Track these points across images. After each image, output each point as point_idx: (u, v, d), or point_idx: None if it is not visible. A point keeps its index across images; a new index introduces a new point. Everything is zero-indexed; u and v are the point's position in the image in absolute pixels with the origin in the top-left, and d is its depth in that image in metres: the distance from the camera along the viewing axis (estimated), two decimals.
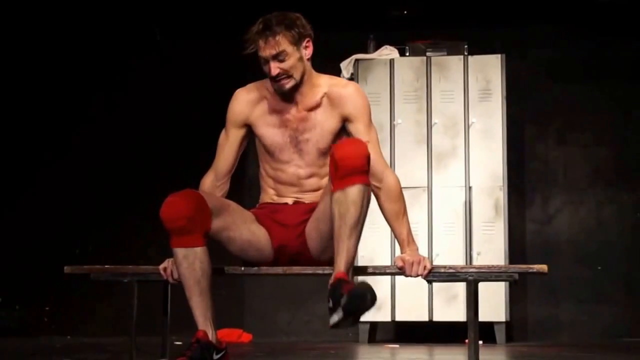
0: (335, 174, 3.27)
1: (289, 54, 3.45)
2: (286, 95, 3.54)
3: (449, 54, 6.56)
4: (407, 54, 6.63)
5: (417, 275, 3.45)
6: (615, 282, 6.85)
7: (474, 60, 6.50)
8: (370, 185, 3.33)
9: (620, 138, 7.00)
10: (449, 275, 3.49)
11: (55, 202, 7.22)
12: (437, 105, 6.50)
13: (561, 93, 7.06)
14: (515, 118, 6.80)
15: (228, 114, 3.64)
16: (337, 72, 6.56)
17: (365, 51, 6.68)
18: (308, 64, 3.54)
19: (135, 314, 3.70)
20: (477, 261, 6.25)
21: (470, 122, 6.46)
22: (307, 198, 3.57)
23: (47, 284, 6.97)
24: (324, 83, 3.57)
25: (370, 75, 6.58)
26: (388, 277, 6.27)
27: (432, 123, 6.50)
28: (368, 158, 3.28)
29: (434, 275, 3.48)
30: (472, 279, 3.46)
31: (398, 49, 6.63)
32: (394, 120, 6.52)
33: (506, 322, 6.31)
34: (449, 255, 6.30)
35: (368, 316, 6.28)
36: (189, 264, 3.37)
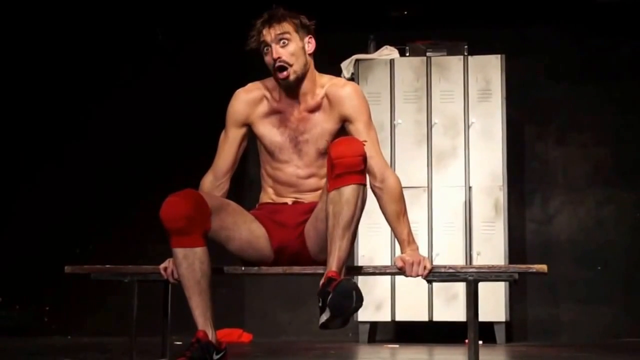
0: (331, 173, 3.28)
1: (291, 38, 3.47)
2: (287, 95, 3.55)
3: (449, 54, 6.56)
4: (407, 54, 6.64)
5: (417, 276, 3.45)
6: (615, 282, 6.85)
7: (473, 60, 6.50)
8: (366, 185, 3.33)
9: (620, 138, 7.00)
10: (449, 275, 3.49)
11: (55, 201, 7.23)
12: (437, 106, 6.50)
13: (561, 93, 7.06)
14: (515, 118, 6.80)
15: (228, 113, 3.64)
16: (338, 72, 6.56)
17: (366, 51, 6.69)
18: (310, 60, 3.55)
19: (135, 313, 3.70)
20: (477, 261, 6.25)
21: (470, 122, 6.46)
22: (307, 198, 3.57)
23: (48, 284, 6.97)
24: (324, 83, 3.58)
25: (370, 76, 6.58)
26: (388, 277, 6.27)
27: (432, 123, 6.50)
28: (364, 157, 3.27)
29: (434, 275, 3.48)
30: (472, 279, 3.46)
31: (398, 49, 6.64)
32: (394, 120, 6.52)
33: (506, 322, 6.32)
34: (448, 255, 6.30)
35: (368, 316, 6.37)
36: (188, 264, 3.37)
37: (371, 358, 5.03)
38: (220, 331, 3.55)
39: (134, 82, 7.29)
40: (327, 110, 3.55)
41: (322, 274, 3.38)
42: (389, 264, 6.25)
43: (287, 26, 3.48)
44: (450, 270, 3.50)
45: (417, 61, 6.57)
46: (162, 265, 3.53)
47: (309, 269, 3.57)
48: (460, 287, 6.19)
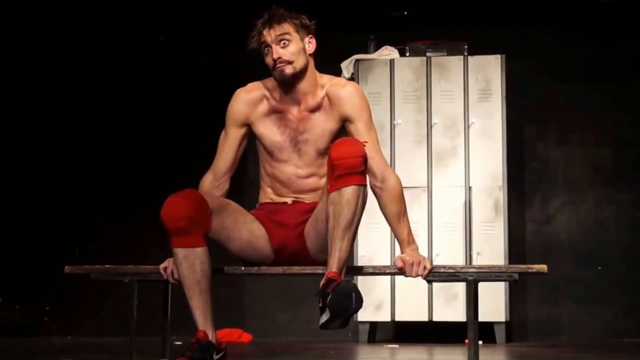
0: (332, 174, 3.28)
1: (292, 39, 3.48)
2: (287, 95, 3.55)
3: (448, 54, 6.56)
4: (407, 54, 6.63)
5: (417, 276, 3.45)
6: (614, 282, 6.85)
7: (473, 60, 6.50)
8: (367, 186, 3.33)
9: (620, 138, 7.00)
10: (449, 275, 3.49)
11: (55, 202, 7.23)
12: (437, 106, 6.50)
13: (561, 93, 7.06)
14: (515, 118, 6.80)
15: (228, 113, 3.65)
16: (338, 72, 6.56)
17: (366, 51, 6.69)
18: (311, 60, 3.56)
19: (135, 314, 3.70)
20: (477, 261, 6.25)
21: (470, 122, 6.46)
22: (307, 198, 3.57)
23: (48, 284, 6.97)
24: (325, 83, 3.59)
25: (370, 76, 6.58)
26: (388, 277, 6.27)
27: (432, 123, 6.50)
28: (365, 158, 3.28)
29: (433, 275, 3.48)
30: (472, 279, 3.47)
31: (398, 49, 6.64)
32: (394, 120, 6.52)
33: (506, 322, 6.31)
34: (448, 255, 6.30)
35: (368, 316, 6.37)
36: (189, 264, 3.37)
37: (371, 358, 5.04)
38: (220, 331, 3.55)
39: (134, 83, 7.29)
40: (327, 110, 3.56)
41: (322, 274, 3.38)
42: (388, 263, 6.25)
43: (287, 27, 3.48)
44: (450, 271, 3.50)
45: (417, 61, 6.57)
46: (162, 265, 3.53)
47: (308, 269, 3.58)
48: (460, 287, 6.19)
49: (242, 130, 3.63)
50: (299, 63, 3.49)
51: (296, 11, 3.55)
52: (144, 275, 3.66)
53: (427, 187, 6.44)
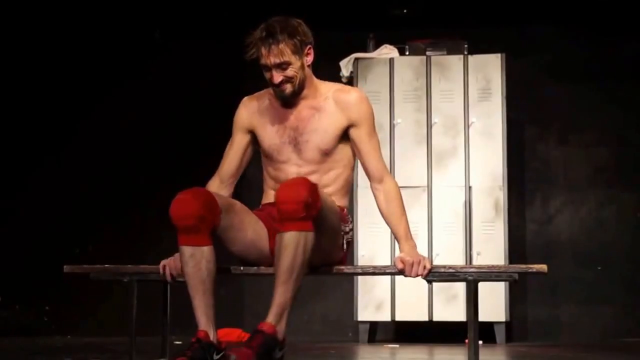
0: (277, 215, 3.28)
1: (290, 62, 3.48)
2: (288, 101, 3.58)
3: (448, 54, 6.55)
4: (407, 53, 6.62)
5: (417, 276, 3.45)
6: (615, 282, 6.84)
7: (474, 59, 6.49)
8: (311, 232, 3.23)
9: (621, 138, 6.99)
10: (449, 275, 3.49)
11: (55, 201, 7.22)
12: (437, 105, 6.50)
13: (562, 93, 7.05)
14: (515, 118, 6.79)
15: (234, 120, 3.70)
16: (337, 71, 6.56)
17: (365, 50, 6.67)
18: (308, 71, 3.59)
19: (135, 313, 3.70)
20: (477, 261, 6.25)
21: (470, 122, 6.45)
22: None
23: (47, 284, 6.97)
24: (327, 89, 3.62)
25: (370, 75, 6.57)
26: (388, 277, 6.27)
27: (432, 123, 6.49)
28: (307, 204, 3.20)
29: (434, 275, 3.48)
30: (472, 279, 3.46)
31: (398, 48, 6.62)
32: (393, 119, 6.51)
33: (506, 322, 6.31)
34: (448, 255, 6.30)
35: (368, 316, 6.37)
36: (195, 262, 3.36)
37: (371, 358, 5.03)
38: (220, 331, 3.54)
39: (131, 82, 7.27)
40: (331, 113, 3.57)
41: (322, 274, 3.41)
42: (388, 263, 6.26)
43: (285, 51, 3.46)
44: (450, 270, 3.50)
45: (417, 60, 6.56)
46: (162, 263, 3.52)
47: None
48: (460, 287, 6.19)
49: (248, 137, 3.67)
50: (299, 80, 3.53)
51: (292, 22, 3.50)
52: (143, 275, 3.66)
53: (427, 187, 6.44)
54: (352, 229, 3.64)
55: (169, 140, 7.19)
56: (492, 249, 6.31)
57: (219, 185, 3.65)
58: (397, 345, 6.12)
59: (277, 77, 3.49)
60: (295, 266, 3.24)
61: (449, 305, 6.31)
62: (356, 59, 6.60)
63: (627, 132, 6.98)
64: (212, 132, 7.29)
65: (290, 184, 3.27)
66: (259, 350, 3.21)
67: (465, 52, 6.53)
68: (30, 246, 7.16)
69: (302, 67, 3.52)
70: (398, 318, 6.39)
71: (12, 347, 5.71)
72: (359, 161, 3.63)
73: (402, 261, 3.45)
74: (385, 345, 6.16)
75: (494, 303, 6.18)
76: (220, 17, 7.06)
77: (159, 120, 7.21)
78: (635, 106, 6.95)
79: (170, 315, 3.80)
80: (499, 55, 6.48)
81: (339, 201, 3.60)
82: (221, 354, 3.38)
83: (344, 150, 3.60)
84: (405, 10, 7.04)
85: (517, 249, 6.73)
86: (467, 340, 3.53)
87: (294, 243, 3.23)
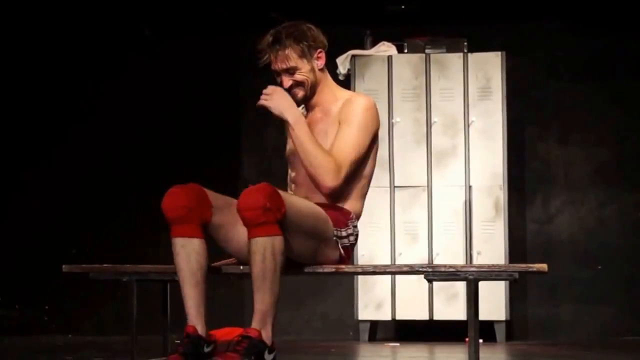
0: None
1: (298, 66, 3.54)
2: (305, 106, 3.65)
3: (448, 51, 6.53)
4: (406, 50, 6.59)
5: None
6: (615, 281, 6.84)
7: (474, 57, 6.48)
8: (278, 235, 3.25)
9: (622, 138, 6.98)
10: (450, 274, 3.49)
11: (53, 201, 7.22)
12: (436, 104, 6.49)
13: (562, 92, 7.05)
14: (515, 117, 6.78)
15: None
16: (333, 68, 6.51)
17: (362, 47, 6.62)
18: (321, 75, 3.63)
19: (135, 312, 3.71)
20: (477, 260, 6.25)
21: (470, 121, 6.45)
22: (316, 198, 3.59)
23: (47, 283, 6.97)
24: (342, 95, 3.66)
25: (367, 72, 6.55)
26: (388, 276, 6.26)
27: (432, 122, 6.48)
28: (265, 208, 3.22)
29: (434, 274, 3.48)
30: (472, 278, 3.46)
31: (396, 45, 6.57)
32: (392, 118, 6.50)
33: (506, 321, 6.31)
34: (449, 254, 6.29)
35: (368, 315, 6.37)
36: (186, 254, 3.38)
37: (372, 356, 5.04)
38: (220, 330, 3.57)
39: (125, 80, 7.23)
40: (334, 117, 3.60)
41: (322, 273, 3.43)
42: (389, 262, 6.26)
43: (292, 56, 3.52)
44: (451, 270, 3.50)
45: (416, 58, 6.54)
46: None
47: (308, 269, 3.58)
48: (460, 286, 6.19)
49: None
50: (310, 84, 3.57)
51: (301, 26, 3.54)
52: (143, 274, 3.67)
53: (427, 186, 6.43)
54: (353, 234, 3.59)
55: (164, 139, 7.16)
56: (492, 248, 6.31)
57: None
58: (398, 344, 6.13)
59: (287, 82, 3.55)
60: (266, 271, 3.25)
61: (450, 304, 6.31)
62: (353, 56, 6.56)
63: (627, 131, 6.98)
64: (203, 128, 7.29)
65: (249, 191, 3.28)
66: (244, 353, 3.21)
67: (465, 50, 6.52)
68: (30, 245, 7.15)
69: (312, 70, 3.56)
70: (398, 317, 6.40)
71: (12, 346, 5.71)
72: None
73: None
74: (385, 344, 6.16)
75: (494, 302, 6.18)
76: (211, 13, 7.04)
77: (154, 118, 7.19)
78: (636, 105, 6.94)
79: (170, 314, 3.81)
80: (499, 53, 6.47)
81: (348, 205, 3.59)
82: (211, 346, 3.39)
83: None
84: (402, 7, 6.98)
85: (517, 248, 6.72)
86: (467, 339, 3.53)
87: (261, 248, 3.24)
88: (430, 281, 3.55)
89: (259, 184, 3.32)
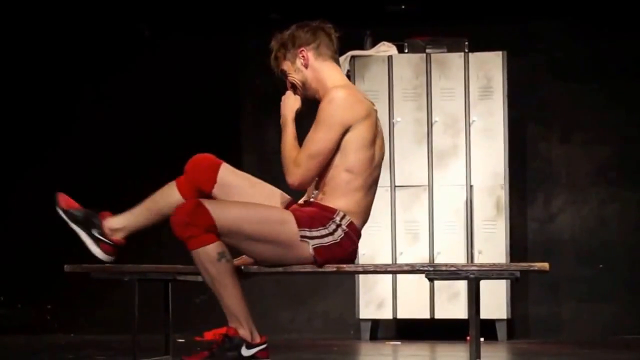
0: None
1: (288, 70, 3.69)
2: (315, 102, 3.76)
3: (449, 51, 6.53)
4: (406, 50, 6.59)
5: None
6: (616, 280, 6.85)
7: (474, 57, 6.49)
8: (204, 247, 3.44)
9: (623, 137, 6.99)
10: (451, 273, 3.50)
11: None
12: (437, 103, 6.49)
13: (563, 91, 7.05)
14: (516, 116, 6.79)
15: None
16: None
17: (362, 47, 6.62)
18: (311, 72, 3.69)
19: (137, 312, 3.72)
20: (479, 259, 6.25)
21: (471, 121, 6.45)
22: (316, 196, 3.64)
23: (49, 282, 6.97)
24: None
25: (367, 73, 6.55)
26: (389, 275, 6.27)
27: (433, 121, 6.49)
28: (186, 223, 3.42)
29: (435, 273, 3.49)
30: (473, 277, 3.47)
31: (396, 45, 6.57)
32: (393, 118, 6.50)
33: (507, 320, 6.32)
34: (450, 253, 6.30)
35: (370, 314, 6.37)
36: (161, 194, 3.81)
37: (373, 355, 5.05)
38: (220, 329, 3.59)
39: (120, 79, 7.25)
40: None
41: (322, 272, 3.53)
42: (390, 262, 6.27)
43: (280, 61, 3.70)
44: (452, 269, 3.51)
45: (416, 58, 6.54)
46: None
47: (308, 268, 3.59)
48: (461, 285, 6.19)
49: None
50: (300, 83, 3.68)
51: (283, 35, 3.68)
52: (143, 274, 3.68)
53: (428, 186, 6.43)
54: (335, 232, 3.57)
55: (165, 138, 7.16)
56: (493, 247, 6.31)
57: None
58: (399, 343, 6.14)
59: (288, 84, 3.70)
60: (211, 279, 3.45)
61: (451, 303, 6.31)
62: (353, 57, 6.56)
63: (629, 130, 6.98)
64: (201, 127, 7.30)
65: (175, 209, 3.51)
66: (215, 349, 3.43)
67: (466, 50, 6.52)
68: (32, 244, 7.16)
69: (299, 70, 3.66)
70: (400, 316, 6.40)
71: (14, 346, 5.72)
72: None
73: None
74: (387, 343, 6.17)
75: (495, 301, 6.19)
76: (211, 12, 7.04)
77: (153, 119, 7.20)
78: (637, 104, 6.94)
79: (172, 313, 3.82)
80: (500, 53, 6.47)
81: (331, 203, 3.59)
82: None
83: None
84: (403, 6, 6.97)
85: (518, 247, 6.73)
86: (468, 338, 3.54)
87: (197, 261, 3.45)
88: (431, 280, 3.56)
89: (185, 201, 3.55)
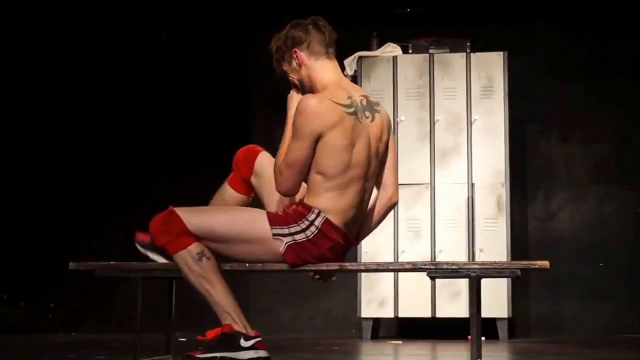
0: None
1: (287, 69, 3.74)
2: None
3: (451, 51, 6.57)
4: (410, 51, 6.64)
5: None
6: (616, 278, 6.86)
7: (476, 57, 6.51)
8: (179, 253, 3.57)
9: (623, 135, 7.00)
10: (452, 271, 3.51)
11: (60, 198, 7.24)
12: (439, 103, 6.51)
13: (563, 90, 7.07)
14: (517, 115, 6.81)
15: None
16: (341, 69, 6.55)
17: (369, 48, 6.69)
18: (305, 71, 3.71)
19: (139, 310, 3.73)
20: (480, 258, 6.26)
21: (472, 119, 6.47)
22: (305, 197, 3.66)
23: (52, 281, 6.99)
24: None
25: (373, 73, 6.60)
26: (391, 274, 6.28)
27: (435, 120, 6.51)
28: (155, 233, 3.63)
29: (437, 271, 3.50)
30: (474, 275, 3.48)
31: (401, 46, 6.64)
32: (397, 117, 6.53)
33: (508, 318, 6.33)
34: (451, 251, 6.31)
35: (371, 312, 6.39)
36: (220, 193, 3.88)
37: (374, 354, 5.06)
38: (213, 330, 3.64)
39: (137, 81, 7.30)
40: None
41: (324, 271, 3.61)
42: (392, 260, 6.28)
43: (279, 62, 3.75)
44: (453, 267, 3.51)
45: (420, 58, 6.59)
46: None
47: (311, 266, 3.60)
48: (463, 284, 6.20)
49: None
50: (299, 82, 3.73)
51: (278, 37, 3.73)
52: (149, 271, 3.69)
53: (430, 183, 6.45)
54: (309, 228, 3.60)
55: (174, 139, 7.20)
56: (494, 245, 6.33)
57: None
58: (401, 342, 6.15)
59: (291, 84, 3.75)
60: (194, 280, 3.57)
61: (452, 302, 6.32)
62: (360, 57, 6.62)
63: (627, 128, 7.00)
64: (216, 131, 7.31)
65: (152, 219, 3.69)
66: (212, 343, 3.53)
67: (468, 50, 6.55)
68: (35, 243, 7.18)
69: (296, 70, 3.70)
70: (401, 314, 6.41)
71: (16, 344, 5.73)
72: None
73: None
74: (388, 342, 6.18)
75: (496, 299, 6.20)
76: (227, 15, 7.08)
77: (164, 120, 7.23)
78: (635, 103, 6.96)
79: (174, 312, 3.83)
80: (501, 53, 6.49)
81: (309, 202, 3.62)
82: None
83: None
84: (408, 9, 7.06)
85: (519, 245, 6.74)
86: (470, 337, 3.55)
87: (180, 263, 3.57)
88: (433, 278, 3.57)
89: (161, 212, 3.68)
